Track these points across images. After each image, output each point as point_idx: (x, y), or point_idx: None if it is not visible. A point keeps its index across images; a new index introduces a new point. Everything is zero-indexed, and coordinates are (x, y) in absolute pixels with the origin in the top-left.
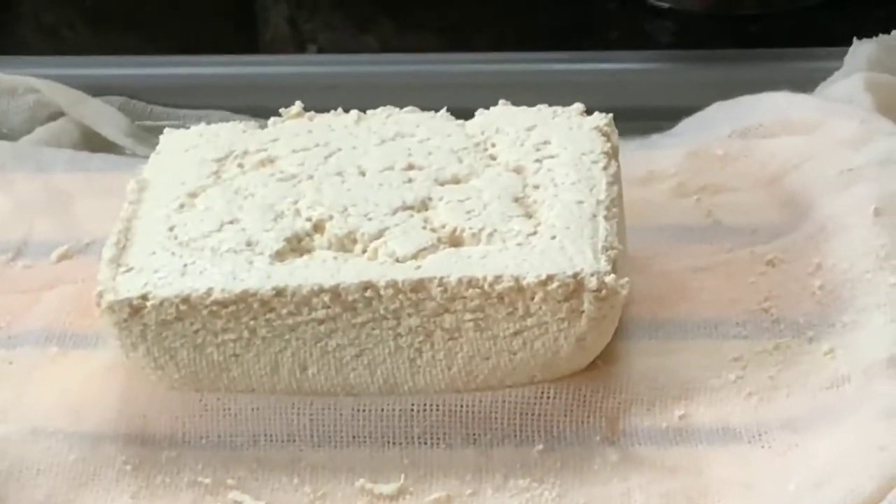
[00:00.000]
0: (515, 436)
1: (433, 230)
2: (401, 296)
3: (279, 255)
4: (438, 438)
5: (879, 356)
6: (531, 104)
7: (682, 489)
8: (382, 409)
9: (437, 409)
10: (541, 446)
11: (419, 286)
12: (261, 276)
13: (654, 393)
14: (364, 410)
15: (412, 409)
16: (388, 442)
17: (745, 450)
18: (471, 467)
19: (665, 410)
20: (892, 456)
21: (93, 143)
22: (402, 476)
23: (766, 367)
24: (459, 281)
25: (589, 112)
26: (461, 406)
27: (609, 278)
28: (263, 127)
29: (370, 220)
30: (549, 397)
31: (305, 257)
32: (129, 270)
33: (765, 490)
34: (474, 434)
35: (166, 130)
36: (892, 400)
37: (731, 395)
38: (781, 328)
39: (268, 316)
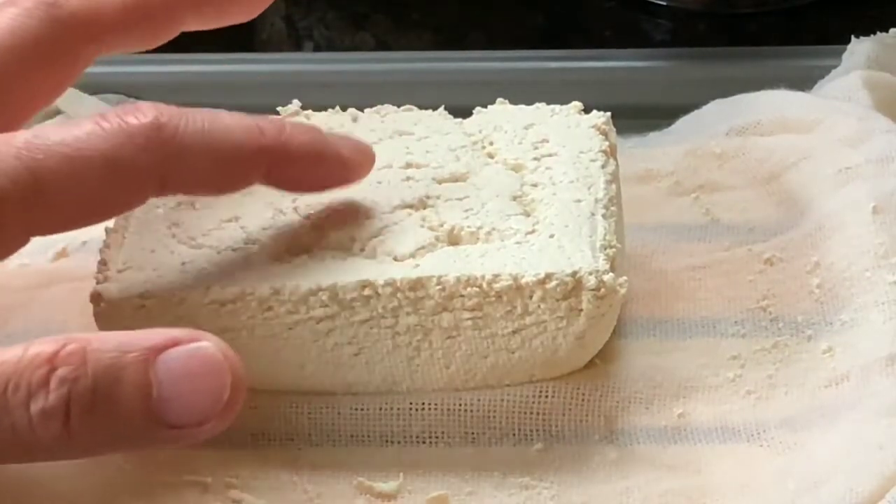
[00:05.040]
0: (514, 434)
1: (431, 229)
2: (399, 294)
3: (277, 254)
4: (437, 437)
5: (878, 354)
6: (528, 102)
7: (680, 488)
8: (381, 408)
9: (436, 408)
10: (539, 445)
11: (417, 285)
12: (259, 275)
13: (652, 391)
14: (362, 409)
15: (410, 408)
16: (387, 441)
17: (743, 448)
18: (469, 466)
19: (663, 409)
20: (892, 454)
21: None
22: (401, 474)
23: (764, 366)
24: (458, 279)
25: (586, 110)
26: (460, 405)
27: (607, 277)
28: None
29: (368, 218)
30: (547, 396)
31: (303, 256)
32: (126, 269)
33: (763, 489)
34: (473, 433)
35: None
36: (891, 398)
37: (729, 393)
38: (780, 327)
39: (266, 315)
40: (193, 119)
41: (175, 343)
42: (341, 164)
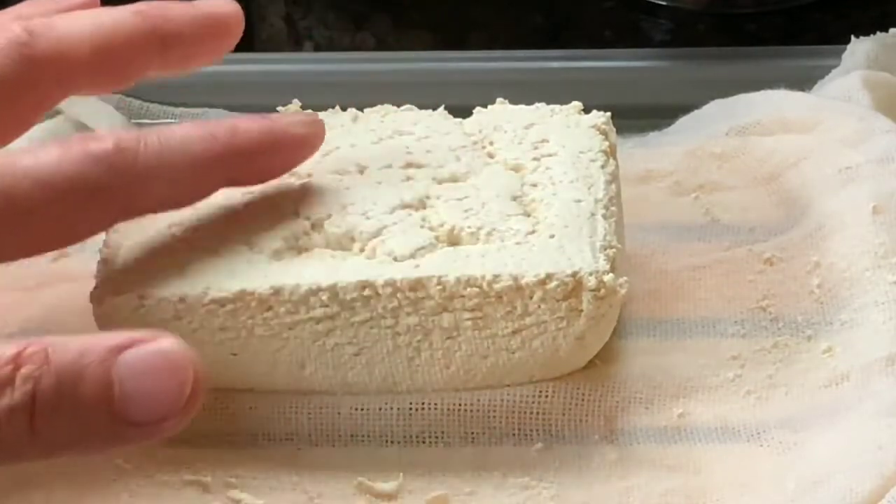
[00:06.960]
0: (514, 434)
1: (431, 229)
2: (399, 295)
3: (277, 254)
4: (437, 437)
5: (878, 354)
6: (528, 102)
7: (680, 488)
8: (381, 408)
9: (436, 408)
10: (539, 445)
11: (417, 285)
12: (259, 275)
13: (652, 391)
14: (362, 409)
15: (410, 408)
16: (387, 441)
17: (743, 448)
18: (469, 466)
19: (663, 409)
20: (892, 454)
21: None
22: (401, 475)
23: (764, 366)
24: (458, 280)
25: (586, 110)
26: (460, 405)
27: (608, 277)
28: None
29: (368, 218)
30: (547, 396)
31: (303, 256)
32: (126, 269)
33: (763, 489)
34: (473, 433)
35: None
36: (891, 398)
37: (729, 393)
38: (780, 326)
39: (266, 315)
40: (150, 140)
41: (135, 343)
42: (297, 144)
